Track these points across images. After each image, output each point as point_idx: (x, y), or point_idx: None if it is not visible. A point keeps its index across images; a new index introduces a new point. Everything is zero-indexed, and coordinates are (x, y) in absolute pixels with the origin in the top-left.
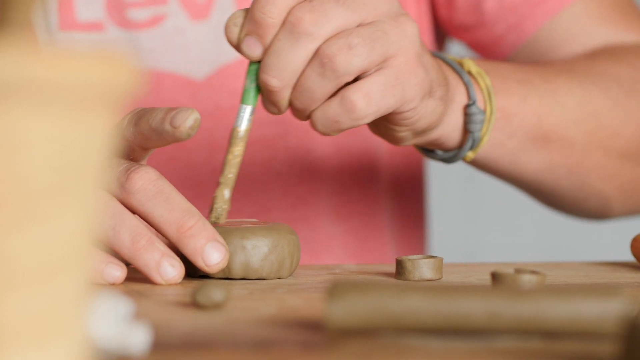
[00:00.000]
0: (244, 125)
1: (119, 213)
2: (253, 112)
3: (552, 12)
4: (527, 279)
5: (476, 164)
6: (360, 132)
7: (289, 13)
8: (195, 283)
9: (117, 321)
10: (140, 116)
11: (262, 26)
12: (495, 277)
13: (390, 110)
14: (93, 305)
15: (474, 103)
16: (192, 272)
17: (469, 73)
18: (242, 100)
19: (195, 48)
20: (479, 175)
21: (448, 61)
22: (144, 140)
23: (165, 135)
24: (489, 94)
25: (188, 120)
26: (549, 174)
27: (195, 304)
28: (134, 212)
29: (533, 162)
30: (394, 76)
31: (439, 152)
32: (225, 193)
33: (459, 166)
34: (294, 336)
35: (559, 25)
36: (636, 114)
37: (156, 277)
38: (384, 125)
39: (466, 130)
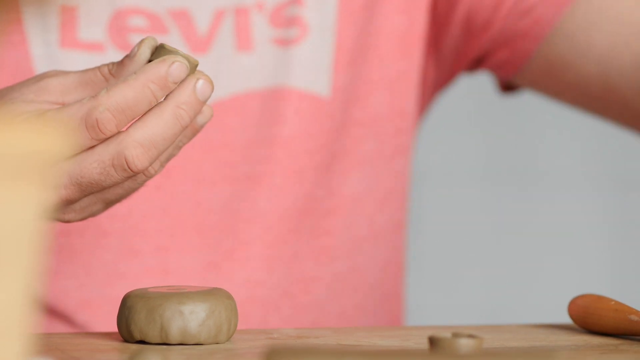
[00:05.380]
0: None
1: None
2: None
3: None
4: (465, 343)
5: None
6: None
7: None
8: (132, 349)
9: None
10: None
11: None
12: (432, 341)
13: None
14: None
15: None
16: (129, 337)
17: None
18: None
19: None
20: (419, 237)
21: None
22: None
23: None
24: None
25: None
26: None
27: None
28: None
29: None
30: None
31: None
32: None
33: None
34: None
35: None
36: None
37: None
38: None
39: None
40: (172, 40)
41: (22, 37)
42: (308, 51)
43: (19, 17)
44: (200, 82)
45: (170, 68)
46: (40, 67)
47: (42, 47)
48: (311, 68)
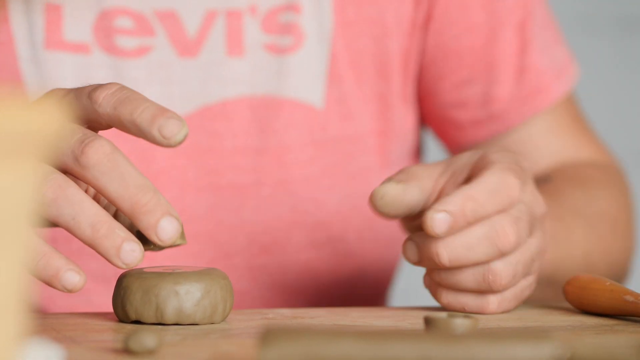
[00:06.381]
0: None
1: (79, 201)
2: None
3: (528, 113)
4: (460, 323)
5: None
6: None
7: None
8: (127, 329)
9: None
10: (118, 99)
11: None
12: (428, 321)
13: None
14: (24, 353)
15: None
16: (125, 317)
17: None
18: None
19: (179, 84)
20: None
21: None
22: (116, 123)
23: (149, 138)
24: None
25: (179, 135)
26: None
27: (127, 350)
28: (88, 184)
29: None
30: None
31: None
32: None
33: None
34: None
35: (527, 133)
36: (614, 248)
37: (117, 263)
38: None
39: None
40: (159, 42)
41: (9, 37)
42: (304, 61)
43: (6, 16)
44: (167, 219)
45: (165, 128)
46: (26, 69)
47: (28, 48)
48: (306, 78)
